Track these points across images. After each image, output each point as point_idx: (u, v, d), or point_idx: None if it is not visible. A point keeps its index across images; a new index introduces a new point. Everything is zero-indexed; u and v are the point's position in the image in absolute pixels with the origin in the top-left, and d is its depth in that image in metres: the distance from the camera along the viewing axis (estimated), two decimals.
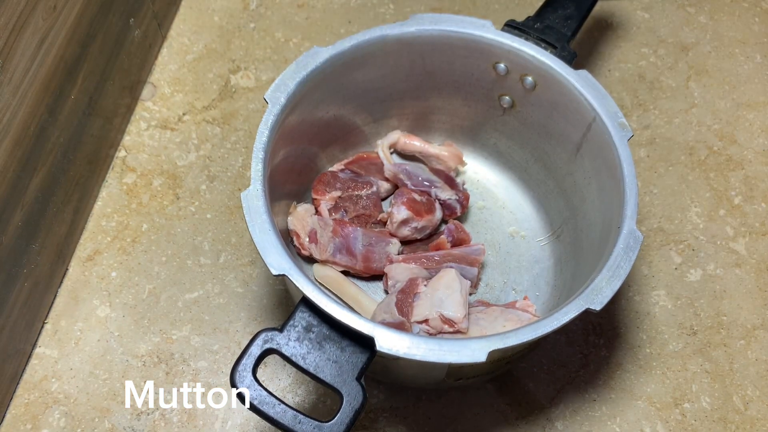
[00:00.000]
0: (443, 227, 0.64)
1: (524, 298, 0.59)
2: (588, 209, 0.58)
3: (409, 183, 0.64)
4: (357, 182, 0.64)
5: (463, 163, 0.68)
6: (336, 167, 0.66)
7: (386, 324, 0.53)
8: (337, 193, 0.63)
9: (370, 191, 0.64)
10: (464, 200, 0.64)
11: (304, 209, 0.62)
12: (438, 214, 0.63)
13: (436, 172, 0.65)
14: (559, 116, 0.59)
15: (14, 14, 0.50)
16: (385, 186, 0.65)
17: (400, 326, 0.53)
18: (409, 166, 0.65)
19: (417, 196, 0.62)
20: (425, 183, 0.64)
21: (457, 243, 0.62)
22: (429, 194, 0.63)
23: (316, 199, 0.63)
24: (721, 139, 0.73)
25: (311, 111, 0.58)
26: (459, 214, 0.64)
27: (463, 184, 0.66)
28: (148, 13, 0.72)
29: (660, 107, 0.75)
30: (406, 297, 0.55)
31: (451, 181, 0.65)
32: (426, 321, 0.54)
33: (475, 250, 0.61)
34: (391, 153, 0.68)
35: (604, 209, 0.55)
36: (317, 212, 0.63)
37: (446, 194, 0.64)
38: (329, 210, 0.62)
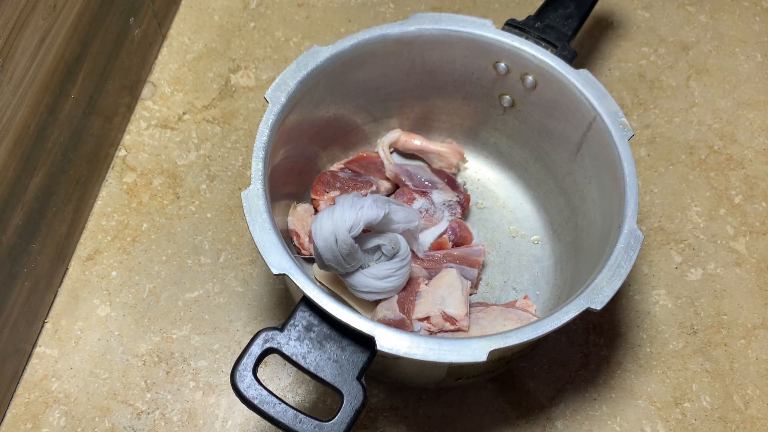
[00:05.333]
0: None
1: (524, 298, 0.59)
2: (588, 208, 0.58)
3: (410, 183, 0.64)
4: (357, 182, 0.64)
5: (464, 160, 0.68)
6: (336, 167, 0.66)
7: (387, 321, 0.53)
8: (336, 193, 0.62)
9: (369, 191, 0.64)
10: (465, 202, 0.64)
11: (304, 209, 0.62)
12: None
13: (438, 172, 0.65)
14: (560, 115, 0.59)
15: (14, 13, 0.50)
16: (385, 185, 0.65)
17: (401, 324, 0.53)
18: (411, 166, 0.65)
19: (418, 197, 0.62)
20: (426, 183, 0.64)
21: (459, 241, 0.62)
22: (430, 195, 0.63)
23: (315, 199, 0.63)
24: (721, 138, 0.73)
25: (311, 110, 0.58)
26: (459, 216, 0.64)
27: (464, 185, 0.66)
28: (148, 12, 0.72)
29: (660, 106, 0.75)
30: (407, 295, 0.55)
31: (452, 182, 0.65)
32: (427, 318, 0.54)
33: (475, 251, 0.61)
34: (392, 152, 0.68)
35: (605, 208, 0.55)
36: (317, 212, 0.63)
37: (447, 196, 0.63)
38: None
